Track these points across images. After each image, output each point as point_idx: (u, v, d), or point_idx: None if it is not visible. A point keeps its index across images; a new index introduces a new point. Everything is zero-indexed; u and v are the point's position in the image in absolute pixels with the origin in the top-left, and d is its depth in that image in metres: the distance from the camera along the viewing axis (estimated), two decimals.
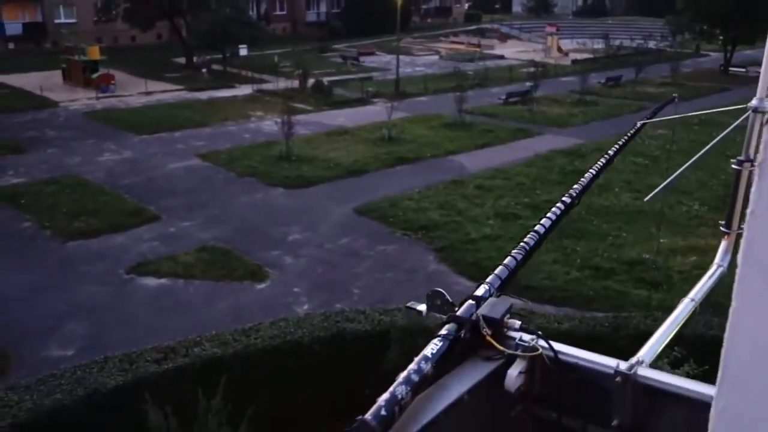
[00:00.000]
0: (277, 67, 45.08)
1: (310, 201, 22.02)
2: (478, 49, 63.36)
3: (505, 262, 2.21)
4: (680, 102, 5.08)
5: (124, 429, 8.26)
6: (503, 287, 2.10)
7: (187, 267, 16.85)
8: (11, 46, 56.30)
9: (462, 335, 1.83)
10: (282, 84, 41.23)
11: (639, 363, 1.87)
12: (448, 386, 1.75)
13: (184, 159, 26.71)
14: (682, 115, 3.92)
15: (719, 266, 2.75)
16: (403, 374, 1.62)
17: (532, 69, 43.43)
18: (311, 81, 41.67)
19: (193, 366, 8.99)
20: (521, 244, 2.33)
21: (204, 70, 46.90)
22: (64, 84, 42.24)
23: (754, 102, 2.30)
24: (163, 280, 16.28)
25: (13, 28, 56.89)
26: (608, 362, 1.89)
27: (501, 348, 1.87)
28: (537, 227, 2.46)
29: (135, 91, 40.39)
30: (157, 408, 7.78)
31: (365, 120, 33.13)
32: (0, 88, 40.86)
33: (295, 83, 41.55)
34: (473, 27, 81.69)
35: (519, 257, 2.25)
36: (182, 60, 50.16)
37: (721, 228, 2.82)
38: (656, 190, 3.71)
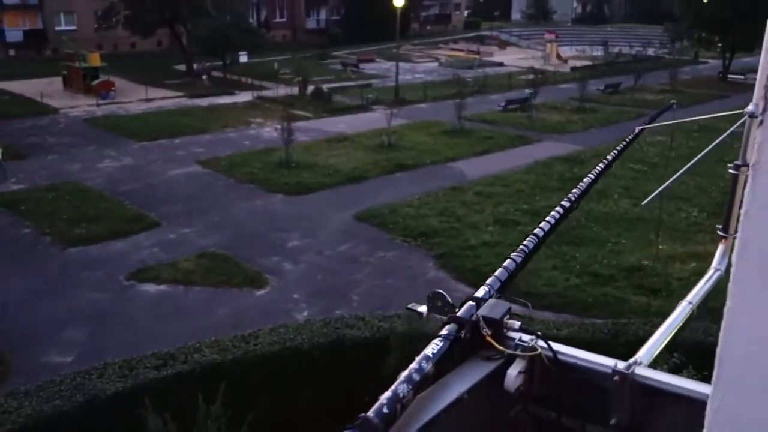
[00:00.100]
0: (277, 74, 45.20)
1: (310, 207, 22.04)
2: (477, 57, 63.52)
3: (505, 264, 2.23)
4: (679, 109, 5.11)
5: None
6: (503, 289, 2.13)
7: (186, 273, 16.85)
8: (12, 52, 56.48)
9: (462, 335, 1.85)
10: (282, 91, 41.31)
11: (637, 363, 1.89)
12: (448, 385, 1.78)
13: (184, 165, 26.75)
14: (681, 121, 3.95)
15: (717, 270, 2.77)
16: (405, 373, 1.65)
17: (531, 76, 43.52)
18: (311, 88, 41.75)
19: (193, 372, 8.99)
20: (521, 246, 2.35)
21: (204, 77, 47.01)
22: (65, 91, 42.32)
23: (750, 107, 2.33)
24: (162, 287, 16.28)
25: (14, 35, 57.08)
26: (606, 362, 1.91)
27: (501, 348, 1.90)
28: (536, 230, 2.49)
29: (135, 98, 40.46)
30: (156, 414, 7.77)
31: (365, 127, 33.19)
32: (0, 94, 40.95)
33: (295, 90, 41.64)
34: (472, 34, 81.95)
35: (518, 260, 2.28)
36: (182, 67, 50.27)
37: (718, 232, 2.84)
38: (652, 195, 3.73)
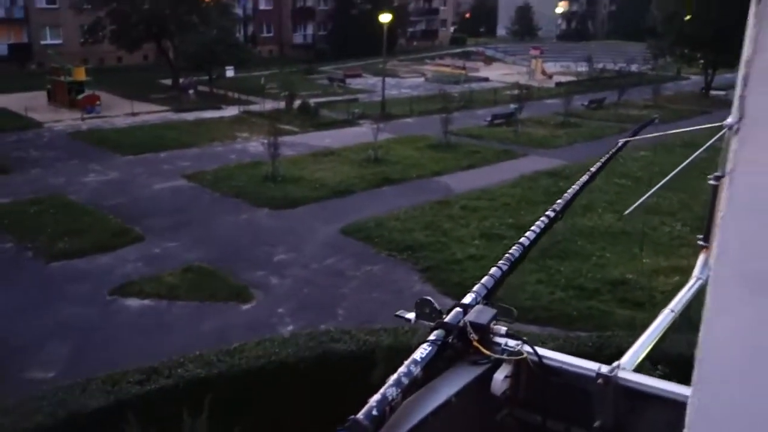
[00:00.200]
0: (264, 89, 45.28)
1: (296, 221, 22.02)
2: (463, 72, 64.00)
3: (491, 272, 2.27)
4: (662, 124, 5.20)
5: None
6: (489, 296, 2.16)
7: (171, 288, 16.74)
8: None
9: (450, 341, 1.88)
10: (268, 105, 41.35)
11: (620, 367, 1.92)
12: (436, 389, 1.80)
13: (169, 179, 26.65)
14: (663, 134, 4.02)
15: (698, 279, 2.82)
16: (394, 377, 1.67)
17: (516, 91, 43.91)
18: (298, 102, 41.84)
19: (177, 387, 8.91)
20: (506, 255, 2.39)
21: (191, 91, 46.98)
22: (49, 105, 42.10)
23: (729, 120, 2.38)
24: (146, 301, 16.16)
25: None
26: (590, 366, 1.94)
27: (487, 353, 1.92)
28: (522, 239, 2.53)
29: (121, 112, 40.31)
30: (140, 429, 7.69)
31: (351, 141, 33.28)
32: None
33: (282, 104, 41.70)
34: (458, 50, 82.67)
35: (504, 268, 2.32)
36: (169, 81, 50.21)
37: (699, 242, 2.89)
38: (634, 206, 3.80)
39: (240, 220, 22.14)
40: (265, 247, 19.72)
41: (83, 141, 33.23)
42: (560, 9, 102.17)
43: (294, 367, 9.60)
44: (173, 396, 8.67)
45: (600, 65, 64.58)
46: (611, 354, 9.91)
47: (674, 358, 7.77)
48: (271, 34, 74.44)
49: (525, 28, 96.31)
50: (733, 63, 48.93)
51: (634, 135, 4.33)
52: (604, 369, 1.90)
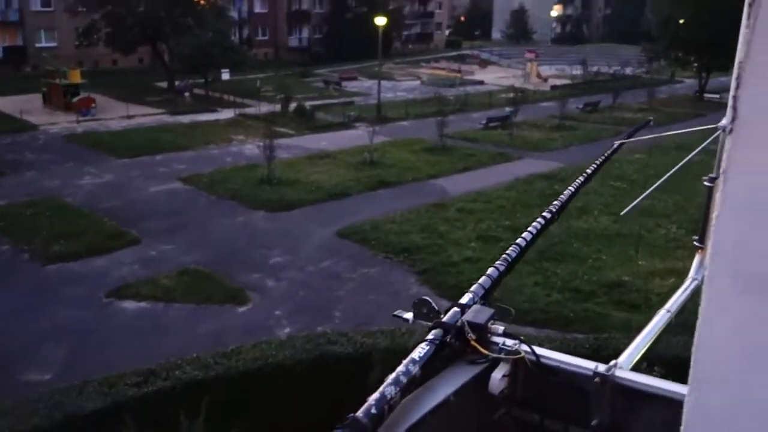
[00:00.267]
0: (259, 92, 45.26)
1: (292, 224, 22.01)
2: (458, 75, 64.09)
3: (488, 272, 2.29)
4: (657, 127, 5.24)
5: None
6: (486, 296, 2.18)
7: (167, 290, 16.72)
8: None
9: (448, 340, 1.89)
10: (264, 108, 41.34)
11: (617, 366, 1.94)
12: (434, 388, 1.82)
13: (165, 182, 26.62)
14: (658, 135, 4.06)
15: (694, 279, 2.85)
16: (392, 375, 1.69)
17: (511, 94, 44.00)
18: (293, 105, 41.83)
19: (174, 389, 8.91)
20: (503, 255, 2.41)
21: (186, 94, 46.92)
22: (44, 107, 42.01)
23: (724, 121, 2.41)
24: (143, 304, 16.14)
25: None
26: (587, 365, 1.96)
27: (485, 352, 1.94)
28: (519, 240, 2.55)
29: (116, 115, 40.23)
30: (137, 431, 7.69)
31: (347, 144, 33.29)
32: None
33: (277, 107, 41.69)
34: (454, 53, 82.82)
35: (502, 268, 2.33)
36: (164, 84, 50.15)
37: (695, 243, 2.93)
38: (630, 206, 3.83)
39: (236, 223, 22.13)
40: (261, 249, 19.72)
41: (78, 144, 33.17)
42: (555, 12, 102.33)
43: (291, 369, 9.61)
44: (170, 398, 8.67)
45: (595, 68, 64.67)
46: (608, 356, 9.91)
47: (670, 361, 7.83)
48: (266, 37, 74.48)
49: (520, 31, 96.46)
50: (727, 66, 49.08)
51: (629, 137, 4.37)
52: (602, 368, 1.92)
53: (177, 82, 48.86)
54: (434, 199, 24.75)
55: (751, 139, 1.09)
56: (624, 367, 2.02)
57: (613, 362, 1.97)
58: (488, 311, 2.02)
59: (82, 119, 38.66)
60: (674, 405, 1.61)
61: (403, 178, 27.58)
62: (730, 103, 1.13)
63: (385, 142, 33.55)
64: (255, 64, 59.84)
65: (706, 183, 2.83)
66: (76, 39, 53.11)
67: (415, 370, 1.73)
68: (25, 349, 13.78)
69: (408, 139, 35.22)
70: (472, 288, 2.18)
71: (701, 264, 2.88)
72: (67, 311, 15.65)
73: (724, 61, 47.88)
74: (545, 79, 63.64)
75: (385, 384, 1.65)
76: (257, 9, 73.39)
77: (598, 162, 3.51)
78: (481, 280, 2.23)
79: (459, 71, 66.99)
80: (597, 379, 1.91)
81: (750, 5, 1.05)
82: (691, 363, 1.25)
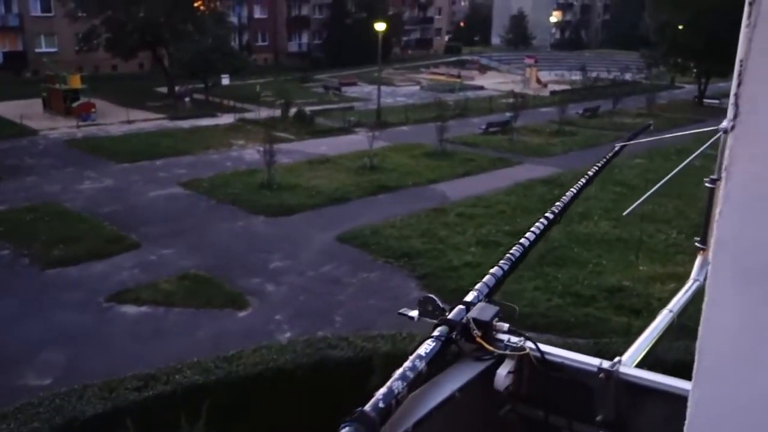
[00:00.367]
0: (259, 97, 45.31)
1: (292, 228, 22.02)
2: (458, 80, 64.21)
3: (492, 271, 2.31)
4: (657, 131, 5.28)
5: None
6: (491, 294, 2.19)
7: (167, 295, 16.71)
8: None
9: (453, 337, 1.91)
10: (264, 113, 41.40)
11: (621, 363, 1.96)
12: (440, 384, 1.83)
13: (165, 187, 26.63)
14: (658, 138, 4.10)
15: (696, 280, 2.87)
16: (399, 371, 1.71)
17: (511, 100, 44.11)
18: (293, 110, 41.89)
19: (174, 393, 8.90)
20: (507, 255, 2.43)
21: (186, 99, 46.99)
22: (45, 112, 42.04)
23: (724, 123, 2.43)
24: (143, 308, 16.13)
25: None
26: (592, 361, 1.97)
27: (490, 348, 1.95)
28: (522, 240, 2.58)
29: (116, 120, 40.30)
30: None
31: (347, 149, 33.32)
32: None
33: (277, 112, 41.74)
34: (453, 59, 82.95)
35: (506, 267, 2.35)
36: (164, 89, 50.22)
37: (697, 244, 2.95)
38: (632, 207, 3.85)
39: (236, 228, 22.13)
40: (261, 254, 19.71)
41: (78, 149, 33.19)
42: (554, 18, 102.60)
43: (291, 373, 9.59)
44: (171, 402, 8.65)
45: (594, 74, 64.87)
46: (609, 360, 9.97)
47: (672, 365, 7.83)
48: (266, 43, 74.61)
49: (519, 37, 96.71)
50: (726, 72, 49.22)
51: (630, 140, 4.40)
52: (606, 364, 1.94)
53: (177, 88, 48.90)
54: (434, 203, 24.76)
55: (753, 136, 1.10)
56: (627, 364, 2.04)
57: (617, 358, 1.99)
58: (493, 309, 2.04)
59: (82, 124, 38.71)
60: (678, 400, 1.62)
61: (403, 183, 27.61)
62: (731, 100, 1.14)
63: (385, 147, 33.59)
64: (255, 69, 59.92)
65: (707, 184, 2.86)
66: (76, 44, 53.17)
67: (421, 365, 1.74)
68: (24, 354, 13.76)
69: (408, 144, 35.26)
70: (477, 286, 2.20)
71: (703, 265, 2.90)
72: (66, 315, 15.63)
73: (724, 67, 48.00)
74: (545, 85, 63.77)
75: (392, 379, 1.67)
76: (257, 14, 73.53)
77: (599, 164, 3.54)
78: (486, 278, 2.25)
79: (459, 76, 67.11)
80: (601, 375, 1.92)
81: (751, 4, 1.06)
82: (696, 358, 1.26)
